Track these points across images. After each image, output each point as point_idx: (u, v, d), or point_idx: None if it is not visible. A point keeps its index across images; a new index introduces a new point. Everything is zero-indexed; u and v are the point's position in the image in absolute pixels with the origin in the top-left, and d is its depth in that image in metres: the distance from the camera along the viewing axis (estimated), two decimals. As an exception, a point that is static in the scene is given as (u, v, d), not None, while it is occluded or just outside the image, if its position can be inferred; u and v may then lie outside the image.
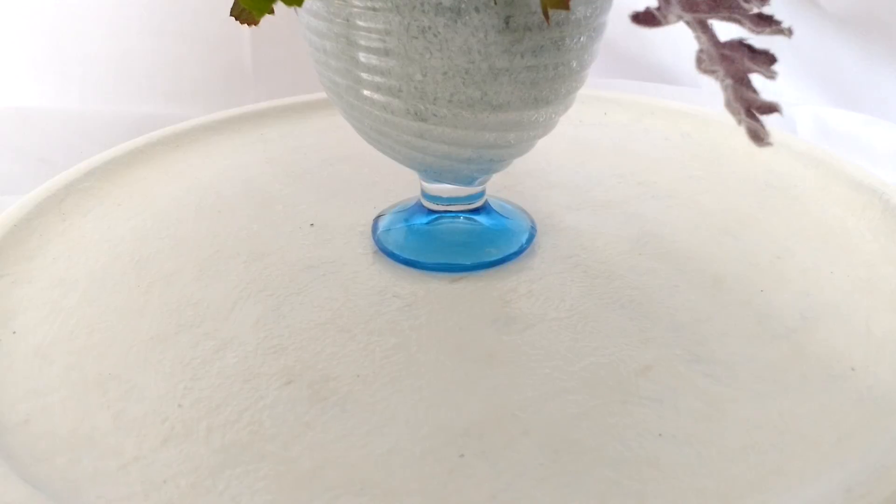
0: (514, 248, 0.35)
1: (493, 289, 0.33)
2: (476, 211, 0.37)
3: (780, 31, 0.23)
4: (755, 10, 0.23)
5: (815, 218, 0.37)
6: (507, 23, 0.27)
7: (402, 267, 0.35)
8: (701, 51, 0.22)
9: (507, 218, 0.38)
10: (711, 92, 0.57)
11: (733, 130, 0.45)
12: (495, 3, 0.26)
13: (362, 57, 0.28)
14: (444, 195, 0.36)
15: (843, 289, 0.32)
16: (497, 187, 0.41)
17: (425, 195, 0.37)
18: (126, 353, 0.29)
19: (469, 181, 0.35)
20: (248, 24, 0.29)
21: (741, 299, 0.32)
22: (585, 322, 0.30)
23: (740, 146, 0.43)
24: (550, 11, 0.26)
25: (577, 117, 0.49)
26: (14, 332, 0.30)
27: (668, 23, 0.22)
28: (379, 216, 0.39)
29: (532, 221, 0.38)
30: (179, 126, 0.47)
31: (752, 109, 0.23)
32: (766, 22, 0.23)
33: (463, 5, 0.26)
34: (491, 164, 0.33)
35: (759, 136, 0.22)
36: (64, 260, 0.35)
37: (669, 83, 0.63)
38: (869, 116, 0.51)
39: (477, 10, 0.26)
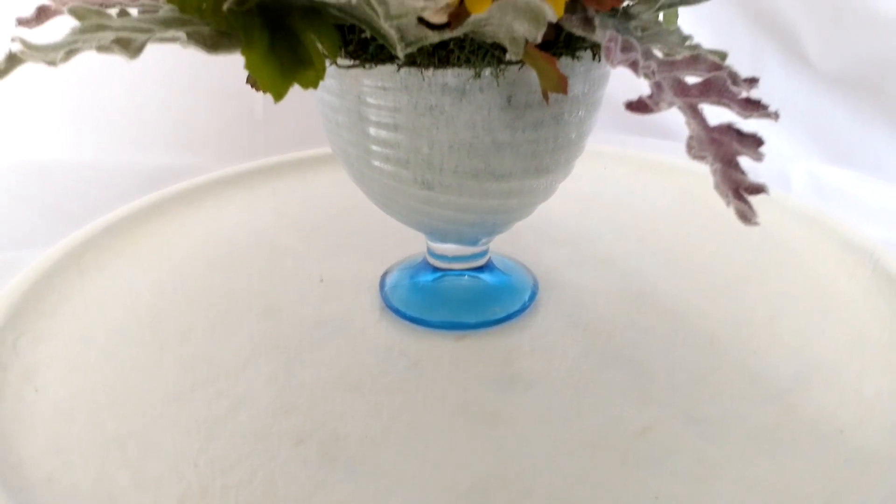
0: (518, 307, 0.37)
1: (496, 347, 0.34)
2: (480, 269, 0.38)
3: (768, 115, 0.24)
4: (743, 95, 0.25)
5: (808, 277, 0.39)
6: (508, 101, 0.28)
7: (409, 324, 0.36)
8: (691, 137, 0.23)
9: (509, 275, 0.39)
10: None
11: (729, 187, 0.46)
12: (498, 84, 0.28)
13: (372, 131, 0.30)
14: (449, 254, 0.38)
15: (834, 349, 0.33)
16: (500, 242, 0.42)
17: (431, 253, 0.38)
18: (144, 411, 0.30)
19: (473, 242, 0.37)
20: (263, 92, 0.30)
21: (736, 358, 0.33)
22: (586, 382, 0.32)
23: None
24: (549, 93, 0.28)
25: (577, 171, 0.50)
26: (36, 390, 0.31)
27: (659, 109, 0.24)
28: (386, 272, 0.40)
29: (534, 278, 0.39)
30: (193, 181, 0.49)
31: (740, 190, 0.24)
32: (753, 106, 0.25)
33: (467, 86, 0.28)
34: (494, 227, 0.35)
35: (746, 217, 0.24)
36: (83, 316, 0.37)
37: (668, 139, 0.65)
38: (861, 173, 0.53)
39: (481, 89, 0.28)
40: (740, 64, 0.60)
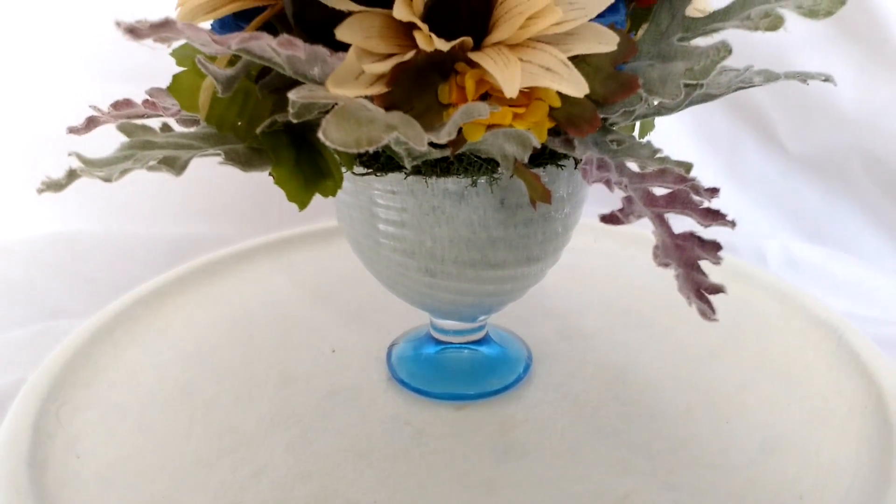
0: (513, 378, 0.40)
1: (493, 417, 0.37)
2: (478, 342, 0.42)
3: (726, 224, 0.28)
4: (704, 205, 0.29)
5: (777, 349, 0.42)
6: (501, 203, 0.32)
7: (413, 394, 0.39)
8: (656, 246, 0.27)
9: (505, 347, 0.43)
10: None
11: (708, 263, 0.50)
12: (492, 190, 0.31)
13: (382, 226, 0.34)
14: (450, 329, 0.41)
15: (798, 420, 0.36)
16: (496, 314, 0.45)
17: (434, 327, 0.42)
18: (175, 477, 0.33)
19: (472, 319, 0.40)
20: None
21: (709, 428, 0.36)
22: (574, 451, 0.35)
23: (714, 279, 0.48)
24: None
25: (570, 243, 0.54)
26: (78, 457, 0.35)
27: (629, 222, 0.27)
28: (393, 344, 0.43)
29: (528, 350, 0.43)
30: (214, 255, 0.53)
31: (701, 290, 0.27)
32: (713, 215, 0.28)
33: (466, 191, 0.31)
34: (491, 308, 0.38)
35: (706, 315, 0.27)
36: (118, 386, 0.40)
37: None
38: (831, 250, 0.57)
39: (477, 193, 0.32)
40: (720, 147, 0.64)
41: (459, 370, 0.41)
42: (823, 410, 0.37)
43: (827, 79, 0.33)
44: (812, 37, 0.54)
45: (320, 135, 0.21)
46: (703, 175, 0.53)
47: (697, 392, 0.39)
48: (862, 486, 0.31)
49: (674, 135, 0.62)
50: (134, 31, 0.23)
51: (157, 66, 0.39)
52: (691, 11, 0.33)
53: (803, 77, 0.32)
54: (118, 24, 0.24)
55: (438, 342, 0.42)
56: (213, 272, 0.51)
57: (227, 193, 0.68)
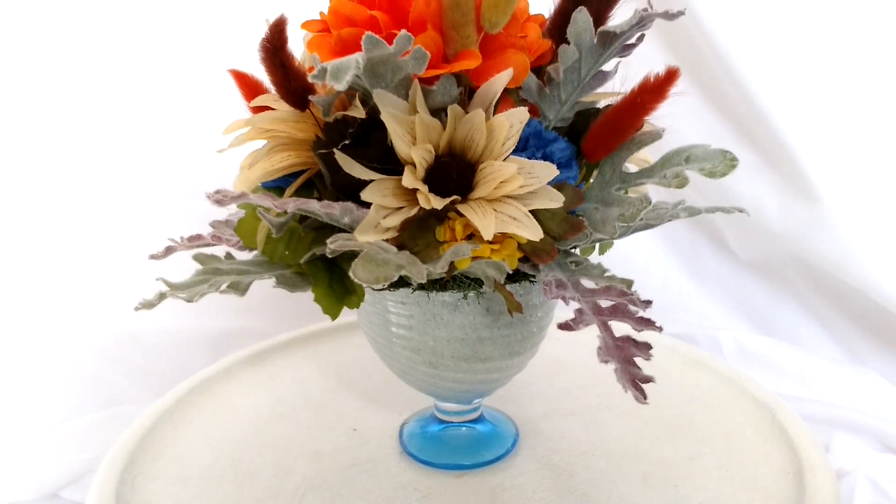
0: (503, 451, 0.47)
1: (486, 484, 0.44)
2: (475, 421, 0.49)
3: (655, 329, 0.36)
4: (639, 314, 0.36)
5: (723, 426, 0.49)
6: (487, 310, 0.40)
7: (421, 465, 0.46)
8: (600, 347, 0.35)
9: (497, 425, 0.50)
10: (664, 317, 0.70)
11: (671, 352, 0.57)
12: (479, 301, 0.40)
13: (394, 329, 0.42)
14: (451, 410, 0.48)
15: (734, 484, 0.43)
16: (490, 397, 0.53)
17: (437, 409, 0.49)
18: (228, 535, 0.41)
19: (468, 402, 0.47)
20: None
21: (661, 493, 0.42)
22: (550, 511, 0.42)
23: (675, 366, 0.56)
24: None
25: (553, 335, 0.62)
26: (150, 518, 0.42)
27: (579, 329, 0.35)
28: (404, 423, 0.51)
29: (516, 428, 0.50)
30: (254, 347, 0.61)
31: (635, 381, 0.35)
32: (646, 323, 0.36)
33: (459, 301, 0.40)
34: (483, 392, 0.46)
35: (639, 400, 0.34)
36: (178, 460, 0.47)
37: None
38: (776, 340, 0.64)
39: (468, 303, 0.40)
40: (682, 252, 0.72)
41: (459, 445, 0.48)
42: (756, 476, 0.43)
43: (742, 210, 0.42)
44: (746, 167, 0.63)
45: (350, 274, 0.30)
46: (669, 277, 0.64)
47: (653, 462, 0.45)
48: (778, 537, 0.38)
49: (645, 243, 0.70)
50: (219, 201, 0.32)
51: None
52: (635, 160, 0.42)
53: (721, 210, 0.41)
54: (208, 196, 0.32)
55: (441, 421, 0.49)
56: (252, 362, 0.59)
57: (263, 294, 0.77)
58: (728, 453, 0.46)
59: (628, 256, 0.71)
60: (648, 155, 0.42)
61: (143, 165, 0.75)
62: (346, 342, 0.64)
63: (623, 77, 0.38)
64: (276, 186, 0.40)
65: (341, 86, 0.29)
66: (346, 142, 0.34)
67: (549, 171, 0.34)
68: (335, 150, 0.33)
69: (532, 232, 0.33)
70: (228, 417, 0.52)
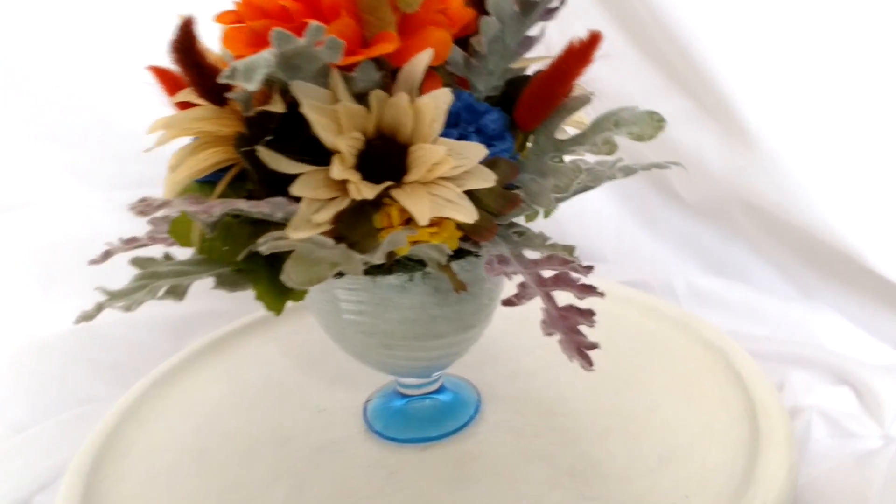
0: (466, 419, 0.47)
1: (452, 453, 0.44)
2: (437, 391, 0.49)
3: (598, 295, 0.36)
4: (581, 282, 0.36)
5: (678, 374, 0.49)
6: (435, 290, 0.39)
7: (386, 441, 0.46)
8: (543, 320, 0.34)
9: (458, 393, 0.50)
10: (619, 266, 0.71)
11: (630, 303, 0.57)
12: (425, 282, 0.39)
13: (345, 315, 0.41)
14: (412, 384, 0.48)
15: (690, 432, 0.43)
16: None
17: (399, 383, 0.49)
18: (199, 530, 0.40)
19: (427, 375, 0.47)
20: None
21: (621, 446, 0.43)
22: (514, 475, 0.41)
23: (632, 316, 0.56)
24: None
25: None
26: (120, 522, 0.41)
27: (523, 303, 0.35)
28: (367, 400, 0.50)
29: (478, 393, 0.50)
30: (214, 334, 0.60)
31: (581, 349, 0.35)
32: (588, 290, 0.36)
33: (406, 284, 0.39)
34: (441, 366, 0.45)
35: (584, 367, 0.34)
36: (145, 458, 0.46)
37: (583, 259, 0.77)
38: (728, 280, 0.65)
39: (415, 285, 0.39)
40: (632, 201, 0.72)
41: (423, 417, 0.48)
42: (712, 423, 0.44)
43: (678, 164, 0.41)
44: (685, 116, 0.63)
45: (282, 278, 0.29)
46: (622, 228, 0.62)
47: (612, 416, 0.46)
48: (733, 483, 0.39)
49: (597, 197, 0.70)
50: (143, 211, 0.30)
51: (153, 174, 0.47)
52: (572, 123, 0.41)
53: (657, 167, 0.40)
54: (130, 207, 0.31)
55: (404, 395, 0.49)
56: (213, 350, 0.58)
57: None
58: (684, 401, 0.46)
59: (581, 211, 0.71)
60: (584, 116, 0.41)
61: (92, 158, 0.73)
62: (307, 322, 0.63)
63: (560, 38, 0.37)
64: (209, 181, 0.38)
65: (253, 86, 0.28)
66: (269, 137, 0.33)
67: (479, 151, 0.33)
68: (257, 146, 0.32)
69: (467, 214, 0.32)
70: (191, 410, 0.52)
